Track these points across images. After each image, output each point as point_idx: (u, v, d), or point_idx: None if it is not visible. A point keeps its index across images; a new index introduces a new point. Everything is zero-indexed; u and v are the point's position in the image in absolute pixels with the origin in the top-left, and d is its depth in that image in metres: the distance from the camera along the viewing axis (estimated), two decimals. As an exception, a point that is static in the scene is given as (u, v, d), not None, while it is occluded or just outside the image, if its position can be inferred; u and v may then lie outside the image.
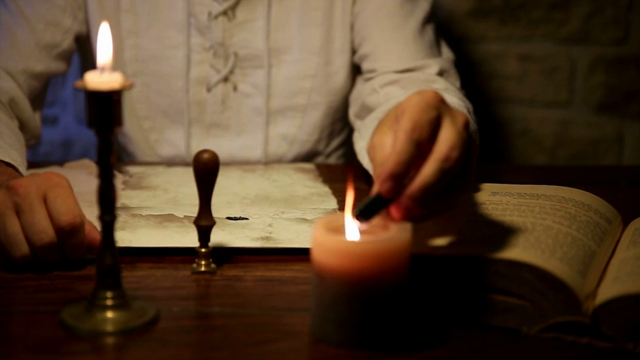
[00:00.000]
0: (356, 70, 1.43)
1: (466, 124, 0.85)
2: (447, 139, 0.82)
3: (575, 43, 1.78)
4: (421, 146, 0.82)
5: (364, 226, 0.83)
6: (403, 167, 0.81)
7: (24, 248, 0.94)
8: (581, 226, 0.95)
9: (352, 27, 1.40)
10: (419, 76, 1.33)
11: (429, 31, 1.39)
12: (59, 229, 0.94)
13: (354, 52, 1.41)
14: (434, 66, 1.35)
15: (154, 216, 1.11)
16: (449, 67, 1.37)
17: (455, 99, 1.20)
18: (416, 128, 0.81)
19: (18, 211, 0.95)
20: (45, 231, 0.94)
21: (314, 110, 1.42)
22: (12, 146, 1.15)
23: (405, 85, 1.31)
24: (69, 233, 0.94)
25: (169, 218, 1.10)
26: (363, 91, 1.37)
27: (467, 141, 0.84)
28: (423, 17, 1.38)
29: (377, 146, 0.85)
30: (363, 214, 0.82)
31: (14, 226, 0.94)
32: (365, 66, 1.39)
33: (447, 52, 1.41)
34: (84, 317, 0.85)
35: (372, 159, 0.85)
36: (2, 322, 0.87)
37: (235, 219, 1.11)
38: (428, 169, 0.81)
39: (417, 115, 0.82)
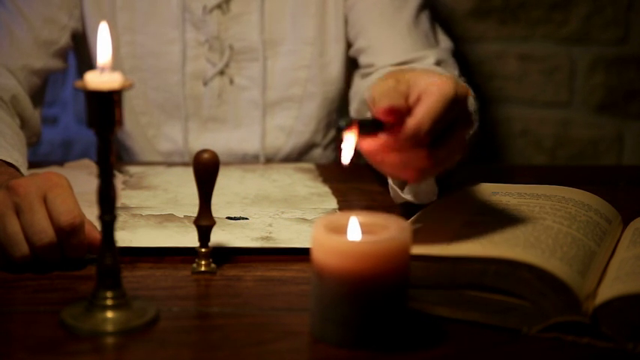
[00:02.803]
0: (352, 64, 1.43)
1: (471, 128, 0.89)
2: (451, 144, 0.87)
3: (575, 43, 1.78)
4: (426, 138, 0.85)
5: (348, 149, 0.85)
6: (400, 149, 0.86)
7: (24, 248, 0.94)
8: (581, 226, 0.95)
9: (346, 19, 1.41)
10: (416, 67, 1.33)
11: (424, 20, 1.39)
12: (59, 229, 0.94)
13: (349, 44, 1.42)
14: (431, 57, 1.35)
15: (154, 216, 1.11)
16: (446, 57, 1.38)
17: None
18: (430, 131, 0.84)
19: (18, 211, 0.95)
20: (45, 231, 0.94)
21: (310, 101, 1.43)
22: (14, 146, 1.15)
23: None
24: (69, 233, 0.94)
25: (169, 218, 1.10)
26: (362, 86, 1.37)
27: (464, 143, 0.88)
28: (417, 6, 1.38)
29: (386, 86, 0.86)
30: (359, 128, 0.85)
31: (14, 226, 0.94)
32: (362, 60, 1.39)
33: (444, 41, 1.41)
34: (84, 317, 0.85)
35: (375, 91, 0.87)
36: (2, 322, 0.87)
37: (235, 219, 1.11)
38: (407, 154, 0.86)
39: (439, 114, 0.84)
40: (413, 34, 1.37)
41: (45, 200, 0.95)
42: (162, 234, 1.05)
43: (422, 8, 1.40)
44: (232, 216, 1.12)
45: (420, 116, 0.84)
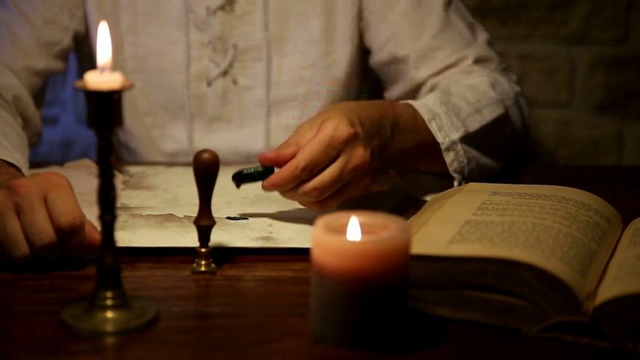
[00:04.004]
0: (363, 64, 1.43)
1: (360, 167, 1.05)
2: (323, 177, 1.04)
3: (575, 43, 1.78)
4: (306, 177, 1.04)
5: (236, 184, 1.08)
6: (281, 190, 1.06)
7: (24, 248, 0.94)
8: (581, 226, 0.95)
9: (362, 21, 1.40)
10: (454, 71, 1.34)
11: (454, 16, 1.39)
12: (59, 230, 0.94)
13: (368, 50, 1.42)
14: (469, 57, 1.36)
15: (154, 216, 1.11)
16: (484, 52, 1.38)
17: (462, 102, 1.23)
18: (306, 168, 1.03)
19: (18, 211, 0.95)
20: (45, 231, 0.94)
21: (314, 100, 1.43)
22: (16, 147, 1.15)
23: (450, 83, 1.32)
24: (69, 234, 0.94)
25: (169, 218, 1.10)
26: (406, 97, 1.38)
27: (347, 179, 1.05)
28: (442, 5, 1.38)
29: (298, 131, 1.06)
30: (242, 178, 1.07)
31: (14, 226, 0.94)
32: (396, 70, 1.39)
33: (481, 34, 1.41)
34: (84, 317, 0.85)
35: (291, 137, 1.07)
36: (2, 322, 0.87)
37: (235, 219, 1.11)
38: (293, 192, 1.05)
39: (316, 156, 1.03)
40: (446, 37, 1.37)
41: (45, 200, 0.95)
42: (163, 234, 1.05)
43: (448, 3, 1.39)
44: (232, 216, 1.11)
45: (296, 158, 1.03)
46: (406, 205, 1.16)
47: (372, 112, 1.11)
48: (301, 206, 1.10)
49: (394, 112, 1.15)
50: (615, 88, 1.79)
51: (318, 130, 1.05)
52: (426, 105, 1.19)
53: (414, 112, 1.18)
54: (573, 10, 1.77)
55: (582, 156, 1.83)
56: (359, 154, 1.05)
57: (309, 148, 1.04)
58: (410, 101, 1.20)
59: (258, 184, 1.08)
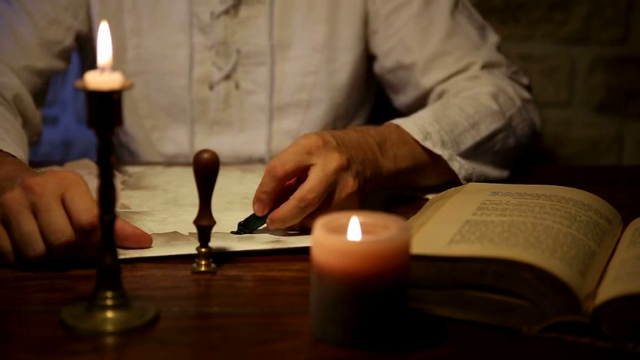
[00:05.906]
0: (367, 71, 1.43)
1: (339, 168, 1.04)
2: (308, 181, 1.03)
3: (575, 43, 1.78)
4: (283, 181, 1.04)
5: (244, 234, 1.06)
6: (264, 195, 1.04)
7: (38, 248, 0.94)
8: (581, 226, 0.95)
9: (370, 27, 1.40)
10: (462, 78, 1.34)
11: (461, 19, 1.38)
12: (79, 228, 0.94)
13: (373, 56, 1.42)
14: (477, 62, 1.35)
15: (160, 235, 1.07)
16: (493, 56, 1.37)
17: (466, 111, 1.24)
18: (276, 167, 1.03)
19: (35, 211, 0.94)
20: (62, 230, 0.93)
21: (316, 106, 1.43)
22: (17, 144, 1.15)
23: (450, 95, 1.32)
24: (88, 232, 0.94)
25: (174, 237, 1.07)
26: (414, 106, 1.38)
27: (332, 182, 1.04)
28: (449, 8, 1.37)
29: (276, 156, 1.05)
30: (243, 227, 1.06)
31: (29, 225, 0.94)
32: (403, 77, 1.39)
33: (491, 37, 1.41)
34: (84, 317, 0.85)
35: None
36: (2, 322, 0.87)
37: (239, 233, 1.08)
38: (287, 206, 1.03)
39: (285, 157, 1.04)
40: (454, 41, 1.36)
41: (63, 199, 0.94)
42: (169, 250, 1.03)
43: (455, 5, 1.38)
44: (236, 230, 1.09)
45: (270, 163, 1.05)
46: (406, 205, 1.17)
47: (349, 132, 1.12)
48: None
49: (377, 132, 1.16)
50: (615, 88, 1.79)
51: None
52: (417, 124, 1.19)
53: (402, 131, 1.18)
54: (573, 10, 1.77)
55: (582, 156, 1.83)
56: (334, 158, 1.04)
57: (282, 153, 1.05)
58: (398, 122, 1.20)
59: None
